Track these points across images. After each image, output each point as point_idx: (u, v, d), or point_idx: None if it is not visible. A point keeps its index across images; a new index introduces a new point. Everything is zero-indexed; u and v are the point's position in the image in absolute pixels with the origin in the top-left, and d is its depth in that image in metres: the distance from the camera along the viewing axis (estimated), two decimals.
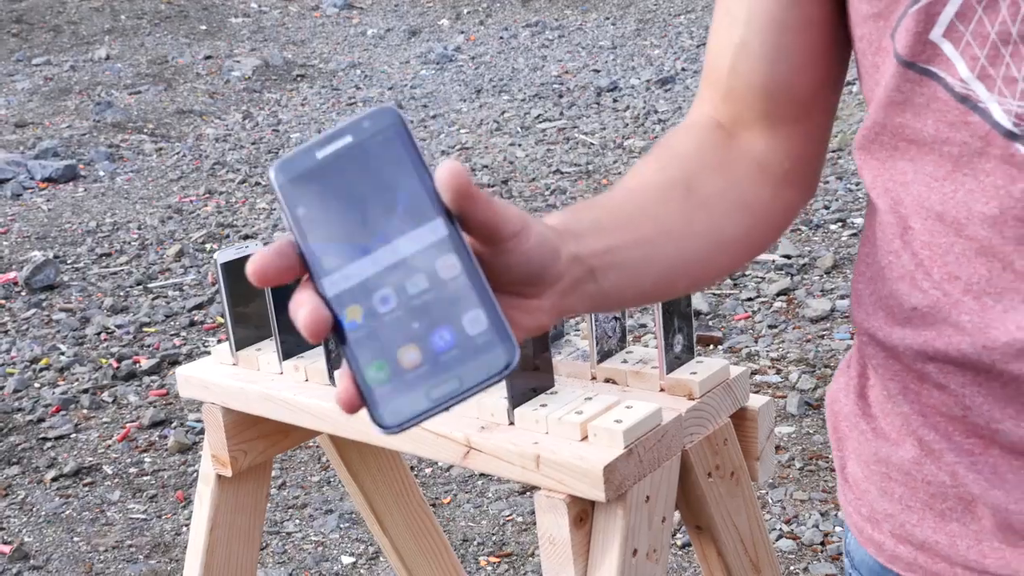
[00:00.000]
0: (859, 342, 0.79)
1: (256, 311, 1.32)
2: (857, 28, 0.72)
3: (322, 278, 0.54)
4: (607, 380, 1.17)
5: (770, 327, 3.51)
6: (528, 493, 2.72)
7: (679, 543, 2.42)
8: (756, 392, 1.18)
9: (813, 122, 0.80)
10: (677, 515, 1.14)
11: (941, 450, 0.72)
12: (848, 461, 0.82)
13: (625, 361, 1.17)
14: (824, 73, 0.78)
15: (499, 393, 1.10)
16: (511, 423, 1.08)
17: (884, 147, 0.71)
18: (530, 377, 1.09)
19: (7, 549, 2.66)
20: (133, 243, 5.05)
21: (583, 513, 1.02)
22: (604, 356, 1.18)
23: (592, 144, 6.09)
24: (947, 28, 0.65)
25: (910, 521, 0.76)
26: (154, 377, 3.58)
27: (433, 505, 2.70)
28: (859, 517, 0.80)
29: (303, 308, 0.54)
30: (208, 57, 9.33)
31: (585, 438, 1.03)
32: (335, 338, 0.54)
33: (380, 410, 0.53)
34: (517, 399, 1.08)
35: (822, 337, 3.40)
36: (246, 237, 4.98)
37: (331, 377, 1.23)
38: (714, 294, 3.81)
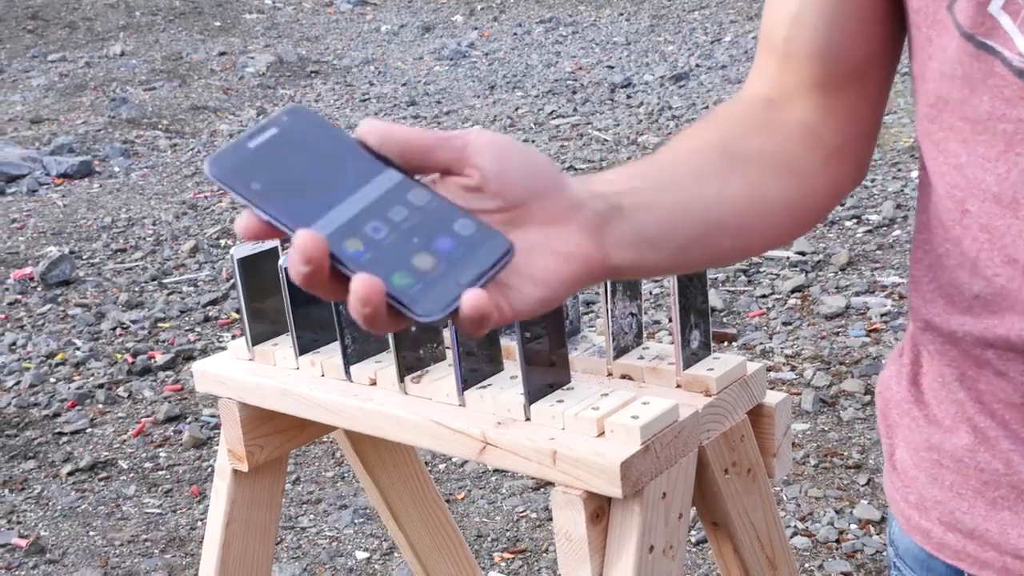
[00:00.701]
0: (913, 329, 0.78)
1: (272, 306, 1.32)
2: (913, 0, 0.71)
3: (308, 226, 0.58)
4: (623, 376, 1.16)
5: (785, 324, 3.50)
6: (542, 489, 2.72)
7: (694, 540, 2.42)
8: (771, 389, 1.18)
9: (866, 94, 0.79)
10: (693, 511, 1.13)
11: (997, 437, 0.71)
12: (897, 448, 0.81)
13: (641, 357, 1.17)
14: (878, 44, 0.77)
15: (516, 389, 1.10)
16: (527, 419, 1.08)
17: (942, 127, 0.71)
18: (546, 373, 1.09)
19: (23, 543, 2.68)
20: (148, 239, 5.07)
21: (600, 509, 1.02)
22: (620, 352, 1.18)
23: (606, 141, 6.08)
24: (1005, 1, 0.64)
25: (960, 508, 0.75)
26: (169, 372, 3.59)
27: (447, 501, 2.71)
28: (906, 504, 0.80)
29: (297, 238, 0.56)
30: (222, 53, 9.35)
31: (602, 434, 1.02)
32: (341, 268, 0.57)
33: (417, 308, 0.57)
34: (533, 395, 1.08)
35: (837, 334, 3.39)
36: None
37: (347, 372, 1.23)
38: (728, 291, 3.80)
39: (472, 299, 0.57)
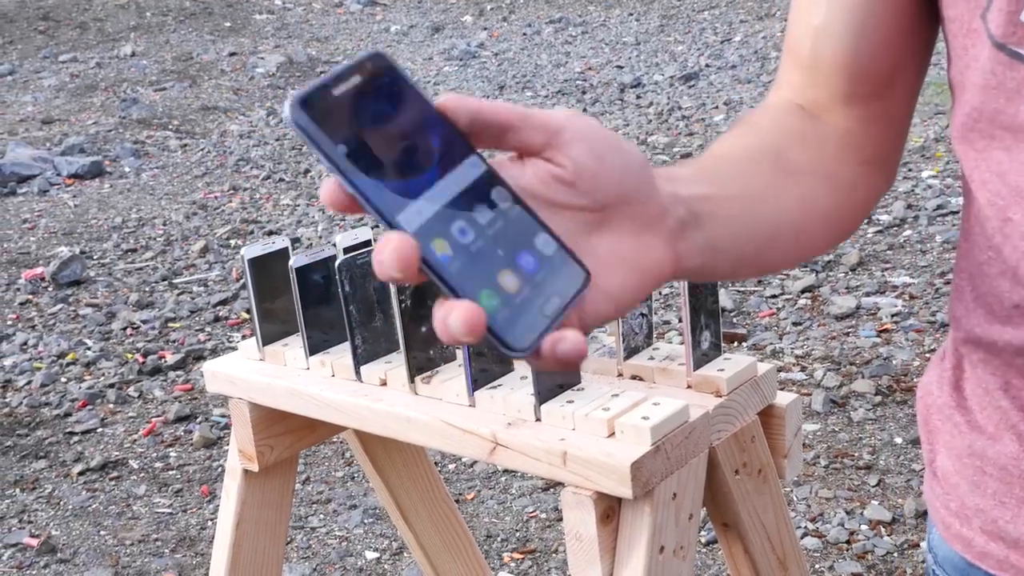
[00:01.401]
0: (955, 336, 0.77)
1: (283, 306, 1.32)
2: (948, 8, 0.70)
3: (396, 214, 0.54)
4: (634, 377, 1.16)
5: (795, 324, 3.49)
6: (552, 490, 2.72)
7: (703, 540, 2.41)
8: (781, 390, 1.18)
9: (894, 103, 0.79)
10: (703, 512, 1.13)
11: None
12: (938, 455, 0.80)
13: (652, 358, 1.17)
14: (906, 54, 0.77)
15: (526, 389, 1.10)
16: (538, 419, 1.07)
17: (982, 135, 0.70)
18: (556, 373, 1.09)
19: (35, 542, 2.69)
20: (158, 239, 5.08)
21: (610, 510, 1.01)
22: (631, 353, 1.18)
23: None
24: None
25: (1003, 517, 0.73)
26: (179, 372, 3.60)
27: (457, 501, 2.71)
28: (947, 512, 0.78)
29: (390, 242, 0.53)
30: (233, 54, 9.37)
31: (612, 435, 1.02)
32: (427, 271, 0.54)
33: (508, 336, 0.54)
34: (544, 395, 1.08)
35: (847, 334, 3.38)
36: (271, 233, 5.00)
37: (358, 373, 1.23)
38: (738, 291, 3.79)
39: (573, 341, 0.54)
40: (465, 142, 0.57)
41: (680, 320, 3.58)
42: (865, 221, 4.27)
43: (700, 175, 0.69)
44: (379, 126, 0.56)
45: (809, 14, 0.78)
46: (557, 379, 1.09)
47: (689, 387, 1.12)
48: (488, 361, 1.13)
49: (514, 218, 0.57)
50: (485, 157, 0.58)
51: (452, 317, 0.52)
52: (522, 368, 1.14)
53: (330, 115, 0.55)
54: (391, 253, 0.52)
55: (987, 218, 0.70)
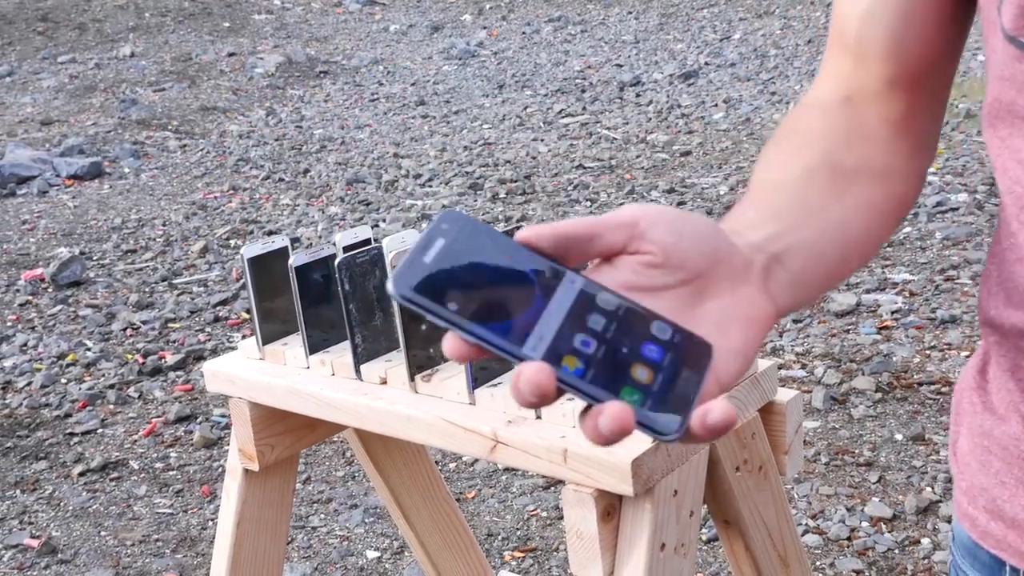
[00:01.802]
0: (980, 320, 0.79)
1: (282, 306, 1.32)
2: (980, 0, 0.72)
3: (521, 348, 0.58)
4: None
5: (795, 321, 3.49)
6: (552, 488, 2.72)
7: (704, 537, 2.41)
8: (781, 387, 1.18)
9: (936, 89, 0.80)
10: (704, 509, 1.13)
11: None
12: (960, 435, 0.81)
13: None
14: (947, 41, 0.78)
15: None
16: (538, 417, 1.07)
17: (1004, 124, 0.71)
18: None
19: (36, 543, 2.69)
20: (158, 239, 5.08)
21: (611, 507, 1.01)
22: None
23: (615, 139, 6.07)
24: None
25: (1002, 496, 0.75)
26: (179, 372, 3.60)
27: (457, 500, 2.71)
28: (959, 491, 0.80)
29: (524, 373, 0.56)
30: (232, 54, 9.37)
31: None
32: (566, 388, 0.57)
33: (657, 425, 0.57)
34: None
35: (847, 331, 3.38)
36: (270, 233, 5.00)
37: (358, 371, 1.23)
38: None
39: (721, 410, 0.56)
40: (555, 264, 0.61)
41: None
42: None
43: (763, 214, 0.71)
44: (476, 276, 0.60)
45: (854, 2, 0.79)
46: None
47: None
48: (488, 359, 1.13)
49: (625, 316, 0.60)
50: (578, 272, 0.61)
51: (602, 421, 0.55)
52: None
53: (426, 280, 0.59)
54: (527, 384, 0.55)
55: (1007, 205, 0.71)
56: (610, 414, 0.55)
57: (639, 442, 0.99)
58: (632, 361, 0.58)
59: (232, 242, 4.95)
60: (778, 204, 0.73)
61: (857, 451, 2.71)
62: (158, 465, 3.04)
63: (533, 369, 0.55)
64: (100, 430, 3.27)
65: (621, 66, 7.87)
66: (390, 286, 0.59)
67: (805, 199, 0.73)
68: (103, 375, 3.63)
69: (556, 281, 0.61)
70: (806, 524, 2.44)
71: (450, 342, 0.58)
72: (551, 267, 0.61)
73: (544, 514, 2.63)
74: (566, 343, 0.58)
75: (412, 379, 1.17)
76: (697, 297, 0.63)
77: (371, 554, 2.55)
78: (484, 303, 0.59)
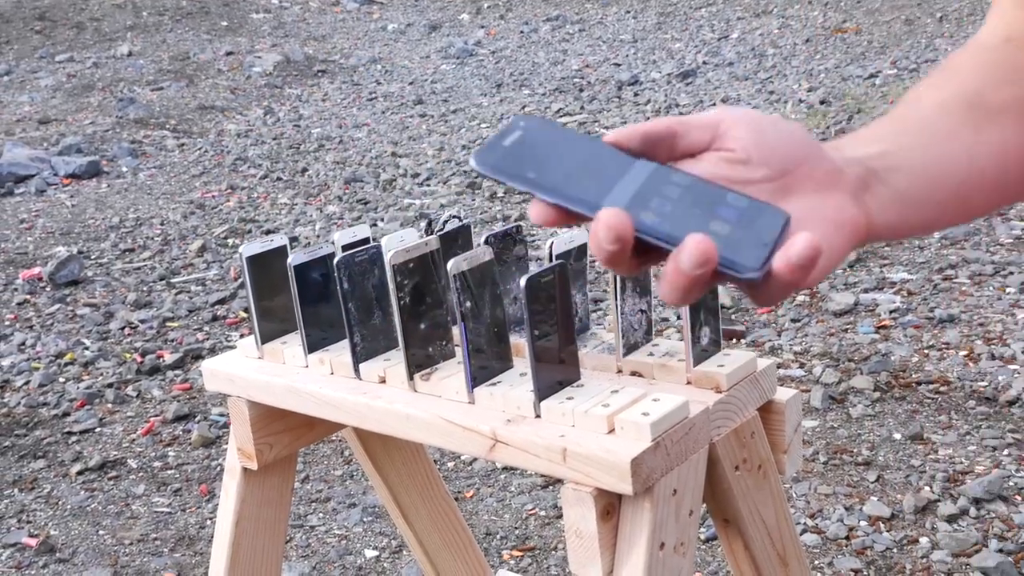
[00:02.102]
0: None
1: (281, 304, 1.32)
2: None
3: (601, 201, 0.62)
4: (633, 373, 1.16)
5: (793, 321, 3.50)
6: (551, 487, 2.72)
7: (703, 537, 2.41)
8: (780, 386, 1.18)
9: None
10: (703, 508, 1.13)
11: None
12: None
13: (651, 354, 1.17)
14: None
15: (525, 386, 1.10)
16: (537, 416, 1.07)
17: None
18: (556, 370, 1.09)
19: (33, 542, 2.68)
20: (156, 238, 5.08)
21: (610, 506, 1.01)
22: (630, 349, 1.17)
23: None
24: None
25: None
26: (177, 371, 3.60)
27: (456, 499, 2.70)
28: None
29: (601, 219, 0.59)
30: (229, 53, 9.36)
31: (612, 431, 1.02)
32: (643, 238, 0.61)
33: (739, 268, 0.60)
34: (543, 392, 1.07)
35: (845, 331, 3.38)
36: (268, 232, 5.00)
37: (356, 370, 1.23)
38: (736, 288, 3.79)
39: (805, 241, 0.58)
40: (629, 153, 0.66)
41: (678, 318, 3.58)
42: None
43: (875, 135, 0.72)
44: (552, 153, 0.66)
45: None
46: (556, 375, 1.09)
47: (689, 383, 1.12)
48: (487, 358, 1.13)
49: (701, 189, 0.63)
50: (649, 159, 0.66)
51: (683, 257, 0.58)
52: (521, 365, 1.14)
53: (506, 157, 0.66)
54: (604, 228, 0.58)
55: None
56: (691, 246, 0.57)
57: (639, 441, 0.99)
58: (709, 218, 0.61)
59: (230, 241, 4.95)
60: (896, 128, 0.73)
61: (855, 450, 2.72)
62: (156, 464, 3.04)
63: (610, 213, 0.58)
64: (98, 429, 3.27)
65: (619, 65, 7.87)
66: (472, 161, 0.65)
67: (929, 127, 0.73)
68: (101, 374, 3.63)
69: (630, 162, 0.65)
70: (804, 523, 2.45)
71: (533, 206, 0.62)
72: (626, 156, 0.65)
73: (543, 513, 2.62)
74: (643, 202, 0.62)
75: (411, 378, 1.17)
76: (781, 195, 0.64)
77: (369, 553, 2.55)
78: (560, 175, 0.64)
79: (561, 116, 6.70)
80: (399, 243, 1.19)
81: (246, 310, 3.96)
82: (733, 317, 3.58)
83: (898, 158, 0.69)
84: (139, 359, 3.69)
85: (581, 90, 7.29)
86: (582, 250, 1.22)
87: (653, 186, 0.63)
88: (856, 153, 0.68)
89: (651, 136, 0.65)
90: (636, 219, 0.61)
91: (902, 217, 0.68)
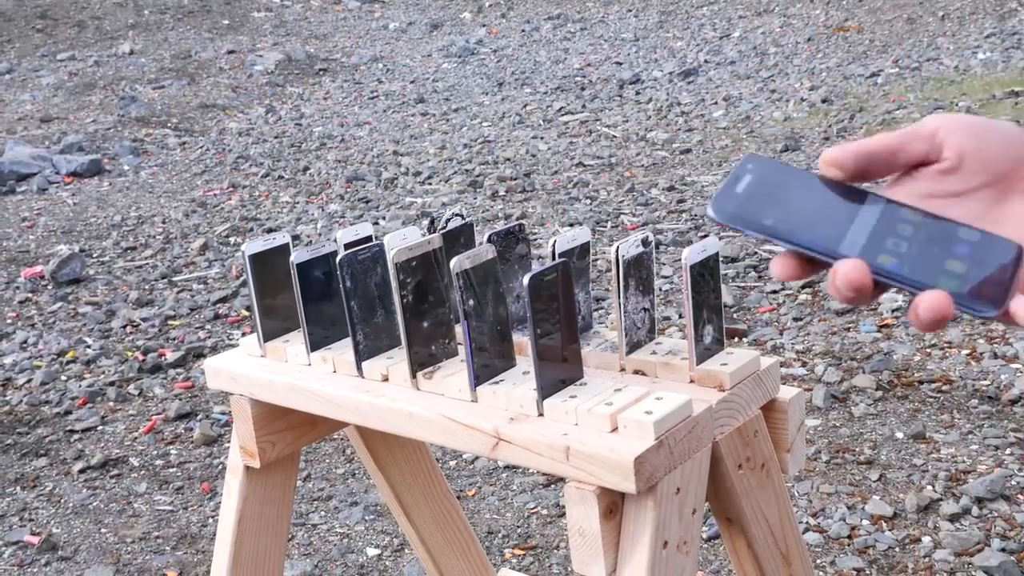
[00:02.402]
0: None
1: (284, 302, 1.32)
2: None
3: (839, 247, 0.65)
4: (636, 371, 1.16)
5: (795, 320, 3.49)
6: (552, 485, 2.72)
7: (705, 535, 2.41)
8: (782, 385, 1.17)
9: None
10: (706, 507, 1.13)
11: None
12: None
13: (654, 352, 1.17)
14: None
15: (528, 384, 1.09)
16: (540, 414, 1.07)
17: None
18: (559, 368, 1.09)
19: (36, 540, 2.68)
20: (158, 237, 5.08)
21: (613, 505, 1.01)
22: (633, 347, 1.17)
23: (615, 137, 6.07)
24: None
25: None
26: (179, 370, 3.60)
27: (458, 497, 2.70)
28: None
29: (839, 271, 0.62)
30: (231, 51, 9.36)
31: (615, 429, 1.02)
32: (885, 281, 0.64)
33: (977, 306, 0.63)
34: (546, 390, 1.07)
35: (848, 330, 3.38)
36: (270, 230, 5.00)
37: (359, 368, 1.22)
38: (738, 286, 3.79)
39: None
40: (855, 188, 0.68)
41: (680, 316, 3.58)
42: None
43: None
44: (785, 197, 0.68)
45: None
46: (559, 374, 1.09)
47: (692, 382, 1.12)
48: (490, 356, 1.13)
49: (931, 226, 0.66)
50: (879, 194, 0.68)
51: (922, 310, 0.61)
52: (524, 363, 1.14)
53: (742, 204, 0.69)
54: (843, 279, 0.61)
55: None
56: (928, 302, 0.60)
57: (642, 440, 0.99)
58: (944, 256, 0.64)
59: (232, 239, 4.95)
60: None
61: (858, 449, 2.71)
62: (158, 462, 3.04)
63: (848, 265, 0.61)
64: (100, 427, 3.27)
65: (621, 64, 7.87)
66: (710, 211, 0.68)
67: None
68: (103, 372, 3.63)
69: (860, 200, 0.67)
70: (807, 522, 2.44)
71: (775, 263, 0.65)
72: (854, 190, 0.68)
73: (544, 512, 2.62)
74: (879, 244, 0.65)
75: (414, 376, 1.17)
76: (1001, 199, 0.65)
77: (371, 551, 2.55)
78: (796, 218, 0.67)
79: (563, 115, 6.69)
80: (402, 241, 1.19)
81: (248, 308, 3.96)
82: (735, 316, 3.57)
83: None
84: (141, 357, 3.69)
85: (583, 89, 7.29)
86: (584, 248, 1.22)
87: (886, 226, 0.65)
88: None
89: (871, 154, 0.65)
90: (873, 263, 0.64)
91: None
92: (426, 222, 1.29)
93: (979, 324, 3.31)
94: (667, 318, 3.58)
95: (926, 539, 2.35)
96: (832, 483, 2.58)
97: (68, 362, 3.73)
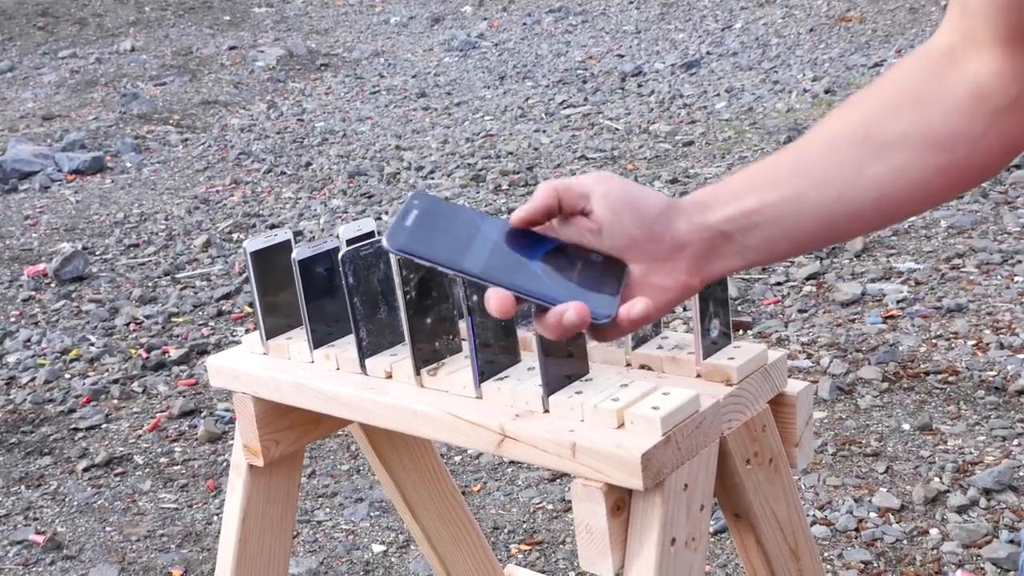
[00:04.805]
0: None
1: (286, 300, 1.31)
2: None
3: (481, 273, 0.82)
4: (642, 366, 1.15)
5: (800, 311, 3.48)
6: (558, 480, 2.71)
7: (711, 529, 2.40)
8: (788, 378, 1.16)
9: None
10: (713, 502, 1.12)
11: None
12: None
13: (661, 347, 1.16)
14: None
15: (533, 380, 1.08)
16: (546, 411, 1.06)
17: None
18: (564, 364, 1.07)
19: (41, 539, 2.68)
20: (160, 234, 5.07)
21: (620, 502, 1.00)
22: (639, 342, 1.16)
23: (617, 129, 6.05)
24: None
25: None
26: (183, 367, 3.59)
27: (463, 493, 2.69)
28: None
29: (491, 299, 0.79)
30: (232, 47, 9.34)
31: (622, 425, 1.01)
32: (527, 298, 0.81)
33: (595, 311, 0.80)
34: (552, 386, 1.06)
35: (853, 321, 3.36)
36: (273, 226, 4.99)
37: (362, 365, 1.21)
38: (743, 279, 3.78)
39: (641, 304, 0.79)
40: (499, 220, 0.84)
41: (685, 310, 3.57)
42: None
43: (751, 183, 0.82)
44: (443, 230, 0.82)
45: None
46: (565, 369, 1.08)
47: (699, 376, 1.11)
48: (495, 352, 1.12)
49: (567, 248, 0.83)
50: (531, 230, 0.84)
51: (567, 316, 0.78)
52: (529, 359, 1.13)
53: (411, 236, 0.81)
54: (492, 304, 0.79)
55: None
56: (575, 310, 0.77)
57: (649, 436, 0.98)
58: (572, 268, 0.81)
59: (234, 236, 4.94)
60: (776, 171, 0.82)
61: (864, 441, 2.70)
62: (162, 460, 3.04)
63: (495, 295, 0.79)
64: (104, 425, 3.26)
65: (622, 56, 7.85)
66: (385, 242, 0.80)
67: (807, 168, 0.81)
68: (107, 370, 3.62)
69: (504, 228, 0.84)
70: (813, 515, 2.43)
71: (493, 296, 0.80)
72: (500, 222, 0.84)
73: (550, 507, 2.62)
74: (521, 267, 0.81)
75: (418, 373, 1.16)
76: (634, 259, 0.81)
77: (377, 548, 2.54)
78: (455, 246, 0.81)
79: (565, 108, 6.68)
80: None
81: (251, 305, 3.95)
82: (739, 308, 3.56)
83: (760, 216, 0.80)
84: (144, 355, 3.68)
85: (585, 82, 7.27)
86: None
87: (527, 248, 0.83)
88: (713, 218, 0.80)
89: (534, 215, 0.82)
90: (513, 282, 0.80)
91: (746, 261, 0.82)
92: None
93: (985, 315, 3.30)
94: (672, 311, 3.57)
95: (934, 531, 2.33)
96: (839, 476, 2.57)
97: (72, 360, 3.73)
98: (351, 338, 1.22)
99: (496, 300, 0.78)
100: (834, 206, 0.80)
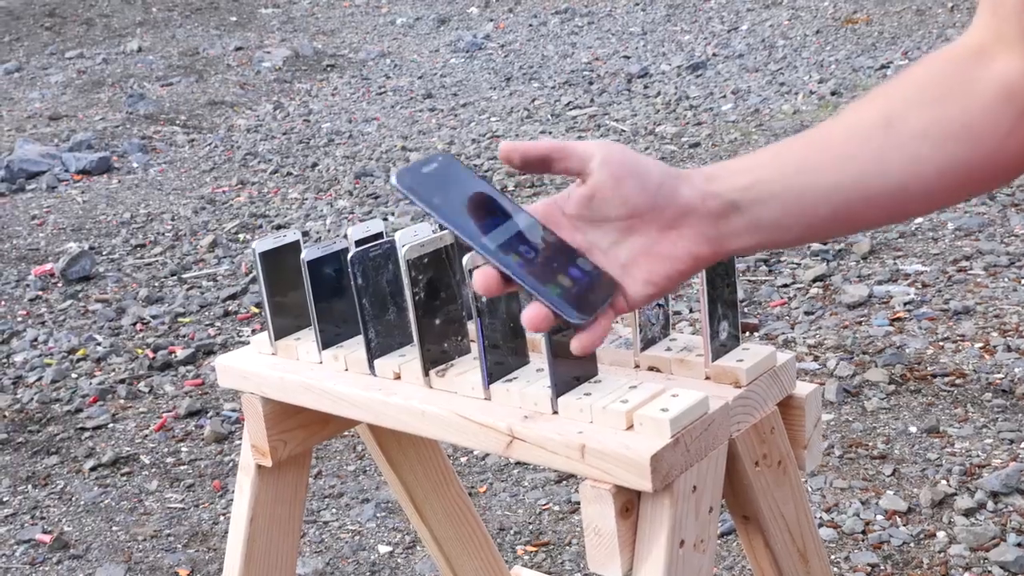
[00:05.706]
0: None
1: (294, 300, 1.31)
2: None
3: (482, 238, 0.80)
4: (651, 368, 1.15)
5: (806, 314, 3.48)
6: (564, 482, 2.71)
7: (718, 531, 2.40)
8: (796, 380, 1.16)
9: None
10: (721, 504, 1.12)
11: None
12: None
13: (669, 349, 1.16)
14: None
15: (542, 382, 1.08)
16: (555, 412, 1.06)
17: None
18: (573, 365, 1.07)
19: (47, 538, 2.68)
20: (167, 234, 5.08)
21: (629, 503, 1.00)
22: (648, 344, 1.16)
23: (623, 131, 6.05)
24: None
25: None
26: (189, 367, 3.59)
27: (469, 494, 2.69)
28: None
29: (476, 277, 0.79)
30: (239, 48, 9.36)
31: (631, 427, 1.01)
32: (508, 274, 0.79)
33: (567, 312, 0.79)
34: (560, 388, 1.06)
35: (859, 323, 3.36)
36: (279, 227, 4.99)
37: (371, 366, 1.21)
38: (749, 280, 3.77)
39: (582, 342, 0.79)
40: (516, 204, 0.83)
41: (691, 311, 3.57)
42: None
43: (761, 161, 0.81)
44: (455, 189, 0.83)
45: None
46: (574, 371, 1.08)
47: (707, 378, 1.11)
48: (503, 354, 1.12)
49: (559, 247, 0.81)
50: (531, 214, 0.83)
51: (524, 316, 0.79)
52: (538, 360, 1.13)
53: (421, 182, 0.82)
54: (479, 283, 0.79)
55: None
56: (529, 314, 0.78)
57: (658, 438, 0.98)
58: (560, 272, 0.79)
59: (241, 236, 4.95)
60: (790, 151, 0.80)
61: (871, 444, 2.70)
62: (169, 460, 3.04)
63: (481, 273, 0.79)
64: (111, 425, 3.27)
65: (629, 58, 7.84)
66: (393, 179, 0.81)
67: (826, 149, 0.79)
68: (113, 370, 3.63)
69: (513, 213, 0.82)
70: (820, 517, 2.43)
71: (480, 276, 0.79)
72: (513, 205, 0.83)
73: (556, 508, 2.61)
74: (514, 246, 0.80)
75: (426, 374, 1.16)
76: (626, 232, 0.79)
77: (383, 548, 2.54)
78: (459, 207, 0.81)
79: (571, 109, 6.67)
80: (413, 238, 1.18)
81: (258, 305, 3.96)
82: (746, 310, 3.56)
83: (768, 187, 0.78)
84: (151, 355, 3.69)
85: (591, 83, 7.27)
86: None
87: (525, 236, 0.81)
88: (722, 187, 0.79)
89: (530, 156, 0.80)
90: (503, 259, 0.79)
91: (761, 240, 0.79)
92: None
93: (992, 317, 3.29)
94: (677, 312, 3.57)
95: (941, 534, 2.33)
96: (845, 478, 2.57)
97: (78, 360, 3.73)
98: (360, 339, 1.23)
99: (481, 277, 0.78)
100: (852, 189, 0.78)
